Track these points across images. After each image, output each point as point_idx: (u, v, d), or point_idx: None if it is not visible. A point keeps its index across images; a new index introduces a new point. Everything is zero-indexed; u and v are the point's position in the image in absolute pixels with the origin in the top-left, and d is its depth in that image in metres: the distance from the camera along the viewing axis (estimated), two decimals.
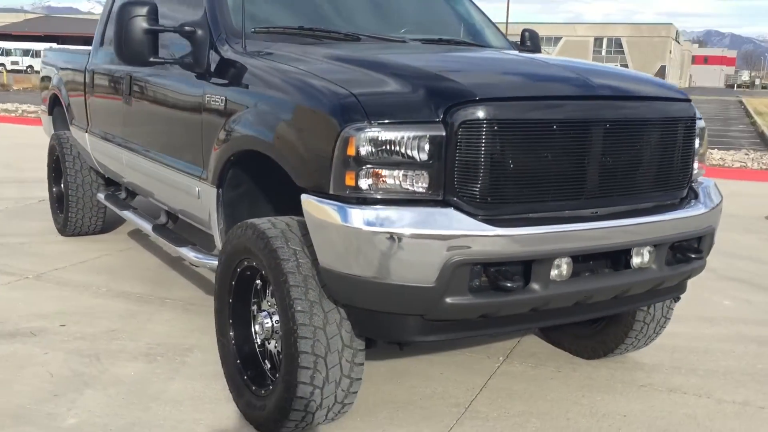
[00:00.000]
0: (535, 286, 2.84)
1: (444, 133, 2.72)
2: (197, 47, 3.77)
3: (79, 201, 6.40)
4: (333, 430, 3.34)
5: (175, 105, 4.14)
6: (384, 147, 2.72)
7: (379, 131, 2.71)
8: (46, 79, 7.18)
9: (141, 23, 3.70)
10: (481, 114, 2.73)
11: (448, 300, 2.74)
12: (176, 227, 4.99)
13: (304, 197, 2.90)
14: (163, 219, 4.89)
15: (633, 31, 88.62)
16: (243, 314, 3.50)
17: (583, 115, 2.94)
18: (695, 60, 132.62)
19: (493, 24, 4.80)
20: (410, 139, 2.71)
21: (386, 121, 2.73)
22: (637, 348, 4.16)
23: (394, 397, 3.71)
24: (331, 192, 2.79)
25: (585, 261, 3.06)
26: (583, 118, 2.93)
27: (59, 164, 6.83)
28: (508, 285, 2.75)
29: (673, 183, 3.28)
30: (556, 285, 2.90)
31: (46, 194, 7.19)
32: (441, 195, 2.75)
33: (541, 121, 2.85)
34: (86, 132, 5.77)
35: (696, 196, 3.42)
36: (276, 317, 3.22)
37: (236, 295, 3.48)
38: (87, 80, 5.60)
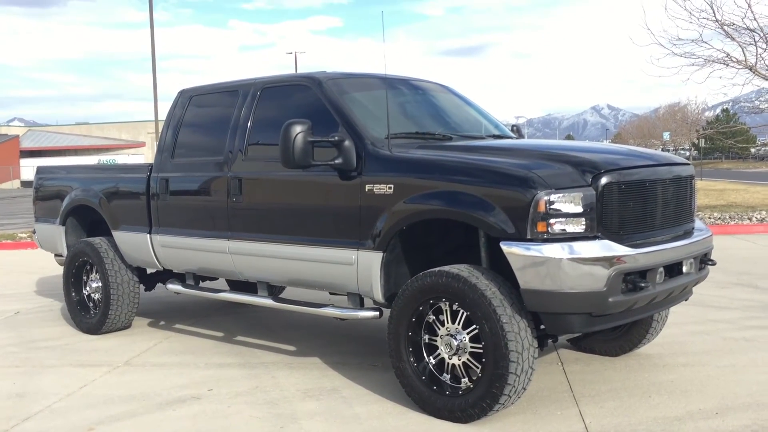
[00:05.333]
0: (650, 285, 4.41)
1: (594, 193, 4.26)
2: (345, 153, 5.01)
3: (120, 298, 7.08)
4: (504, 422, 4.61)
5: (322, 195, 5.27)
6: (559, 204, 4.20)
7: (557, 195, 4.20)
8: (53, 194, 7.79)
9: (305, 137, 4.93)
10: (615, 179, 4.33)
11: (611, 299, 4.23)
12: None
13: (503, 243, 4.27)
14: (265, 292, 5.90)
15: None
16: (417, 343, 4.72)
17: (659, 175, 4.64)
18: None
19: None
20: (575, 198, 4.22)
21: (560, 188, 4.22)
22: (650, 341, 5.84)
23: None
24: (528, 237, 4.21)
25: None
26: (658, 177, 4.63)
27: (81, 270, 7.44)
28: (643, 285, 4.30)
29: (692, 215, 5.05)
30: (660, 284, 4.50)
31: (15, 306, 8.65)
32: (593, 232, 4.26)
33: (642, 180, 4.51)
34: (149, 233, 6.60)
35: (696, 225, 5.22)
36: (459, 336, 4.50)
37: (413, 329, 4.70)
38: (156, 188, 6.48)
